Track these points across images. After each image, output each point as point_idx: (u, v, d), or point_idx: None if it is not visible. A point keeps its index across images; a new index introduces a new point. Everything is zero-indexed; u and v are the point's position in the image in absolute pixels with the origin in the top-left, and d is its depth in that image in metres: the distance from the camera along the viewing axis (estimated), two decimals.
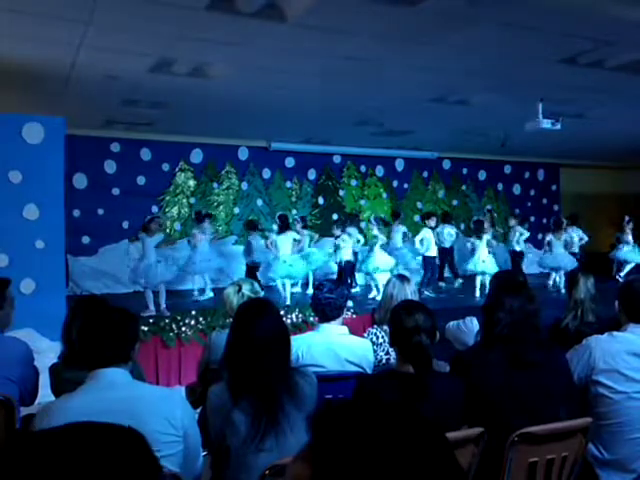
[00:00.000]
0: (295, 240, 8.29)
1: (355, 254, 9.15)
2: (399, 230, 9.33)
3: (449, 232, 9.70)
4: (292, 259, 8.07)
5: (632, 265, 10.05)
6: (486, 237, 9.03)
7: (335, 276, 8.98)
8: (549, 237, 9.61)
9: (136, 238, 7.78)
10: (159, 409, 1.86)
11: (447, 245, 9.72)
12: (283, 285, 8.14)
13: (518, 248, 9.77)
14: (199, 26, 4.55)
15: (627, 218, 10.23)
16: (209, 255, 8.36)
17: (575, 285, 3.33)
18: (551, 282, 9.53)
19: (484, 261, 8.85)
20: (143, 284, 7.00)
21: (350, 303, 7.88)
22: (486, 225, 9.17)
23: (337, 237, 8.72)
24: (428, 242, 9.10)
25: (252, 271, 8.63)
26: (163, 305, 6.95)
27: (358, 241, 9.12)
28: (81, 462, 0.74)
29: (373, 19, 4.43)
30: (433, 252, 9.16)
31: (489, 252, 8.98)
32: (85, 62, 5.38)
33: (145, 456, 0.81)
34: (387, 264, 8.43)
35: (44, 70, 5.62)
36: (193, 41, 4.91)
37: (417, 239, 9.17)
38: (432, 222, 9.23)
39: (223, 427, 2.01)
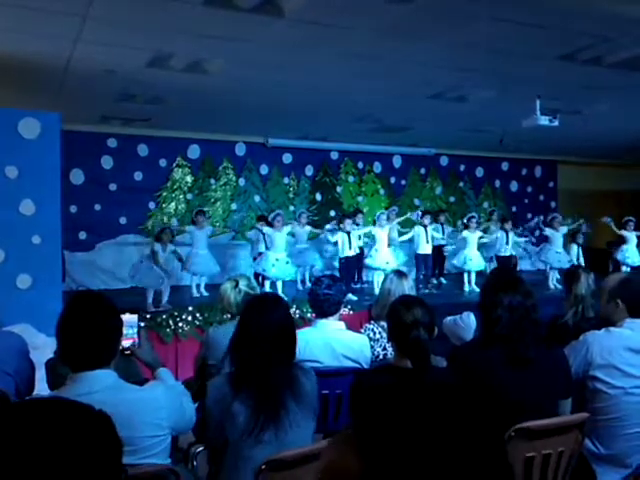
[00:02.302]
0: (289, 234, 8.31)
1: (361, 250, 9.16)
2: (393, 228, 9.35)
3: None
4: (280, 260, 8.01)
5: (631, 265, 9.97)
6: (477, 234, 9.16)
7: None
8: (546, 232, 9.64)
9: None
10: (145, 414, 1.83)
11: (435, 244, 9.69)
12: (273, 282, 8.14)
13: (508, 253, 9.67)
14: (196, 21, 4.53)
15: (627, 218, 10.04)
16: (208, 257, 8.31)
17: (576, 281, 3.30)
18: (550, 280, 9.53)
19: (471, 258, 9.04)
20: (152, 285, 7.23)
21: (355, 297, 7.91)
22: (474, 222, 9.26)
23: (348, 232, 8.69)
24: (419, 240, 9.16)
25: None
26: (165, 299, 7.24)
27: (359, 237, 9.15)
28: (44, 433, 0.74)
29: (371, 14, 4.41)
30: (426, 250, 9.20)
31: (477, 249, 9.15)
32: (82, 56, 5.36)
33: (107, 435, 0.80)
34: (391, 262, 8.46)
35: (40, 65, 5.60)
36: (190, 36, 4.89)
37: (407, 236, 9.24)
38: (426, 220, 9.26)
39: (222, 419, 2.02)
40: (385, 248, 8.68)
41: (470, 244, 9.12)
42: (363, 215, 9.78)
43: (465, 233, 9.24)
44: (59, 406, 0.80)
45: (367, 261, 8.81)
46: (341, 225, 8.72)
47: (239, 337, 2.13)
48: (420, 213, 9.39)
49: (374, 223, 9.01)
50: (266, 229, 8.15)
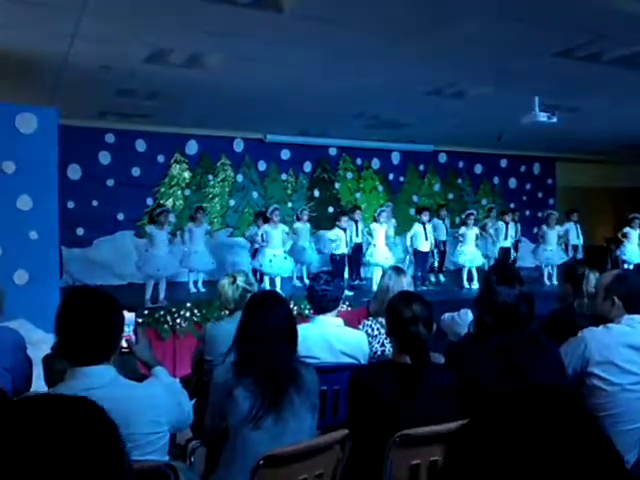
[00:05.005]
0: (287, 233, 8.31)
1: (360, 246, 9.17)
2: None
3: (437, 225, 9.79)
4: (277, 257, 8.01)
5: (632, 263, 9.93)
6: (475, 230, 9.20)
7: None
8: (542, 229, 9.70)
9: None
10: (144, 411, 1.82)
11: (442, 238, 9.84)
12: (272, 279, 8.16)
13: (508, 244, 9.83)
14: (195, 16, 4.51)
15: (633, 215, 9.91)
16: (205, 253, 8.32)
17: (585, 279, 3.25)
18: (545, 278, 9.57)
19: (466, 253, 9.11)
20: (153, 275, 7.16)
21: (350, 293, 7.92)
22: (472, 219, 9.32)
23: (344, 229, 8.71)
24: (418, 237, 9.16)
25: None
26: (162, 295, 7.21)
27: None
28: (41, 431, 0.73)
29: (370, 10, 4.40)
30: (424, 247, 9.20)
31: (475, 245, 9.22)
32: (79, 52, 5.33)
33: (107, 431, 0.79)
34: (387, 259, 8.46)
35: (38, 59, 5.57)
36: (189, 31, 4.87)
37: (408, 236, 9.21)
38: (425, 217, 9.25)
39: (224, 404, 2.05)
40: (383, 244, 8.69)
41: (467, 240, 9.18)
42: (361, 211, 9.77)
43: (462, 230, 9.31)
44: (42, 402, 0.79)
45: (367, 257, 8.82)
46: (337, 223, 8.75)
47: (241, 334, 2.17)
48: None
49: (374, 220, 9.01)
50: (263, 228, 8.17)
